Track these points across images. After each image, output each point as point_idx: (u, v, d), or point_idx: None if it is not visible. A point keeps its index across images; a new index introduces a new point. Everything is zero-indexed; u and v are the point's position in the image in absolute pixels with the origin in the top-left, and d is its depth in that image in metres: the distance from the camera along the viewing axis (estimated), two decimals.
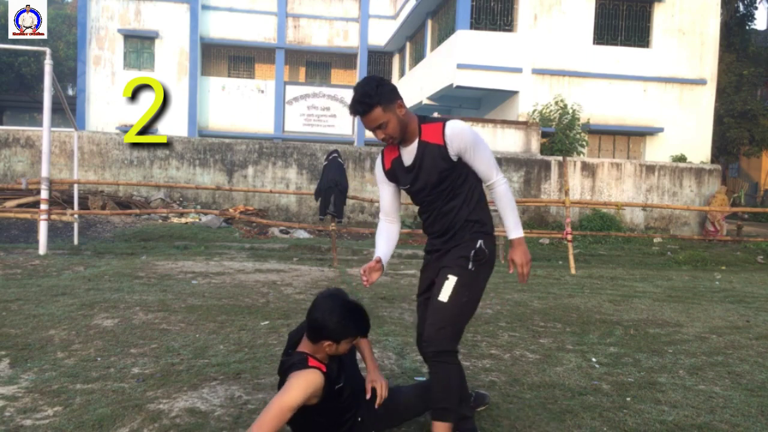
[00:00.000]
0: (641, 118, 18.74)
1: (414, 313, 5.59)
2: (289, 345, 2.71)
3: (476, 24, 18.18)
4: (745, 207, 17.36)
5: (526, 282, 2.72)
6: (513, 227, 2.72)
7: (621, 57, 18.54)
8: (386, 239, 2.88)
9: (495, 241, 2.83)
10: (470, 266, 2.69)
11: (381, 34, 25.64)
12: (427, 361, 2.74)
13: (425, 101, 20.57)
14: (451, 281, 2.66)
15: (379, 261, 2.75)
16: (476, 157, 2.67)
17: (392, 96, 2.62)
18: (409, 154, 2.72)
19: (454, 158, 2.66)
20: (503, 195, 2.70)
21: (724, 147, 22.80)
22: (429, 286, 2.83)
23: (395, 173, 2.80)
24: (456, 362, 2.68)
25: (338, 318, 2.52)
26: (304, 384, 2.45)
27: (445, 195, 2.72)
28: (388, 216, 2.91)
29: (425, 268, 2.91)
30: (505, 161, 15.24)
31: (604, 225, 14.63)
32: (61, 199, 12.25)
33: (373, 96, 2.57)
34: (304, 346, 2.61)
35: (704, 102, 18.93)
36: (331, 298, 2.59)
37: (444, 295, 2.65)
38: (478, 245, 2.70)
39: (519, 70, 18.08)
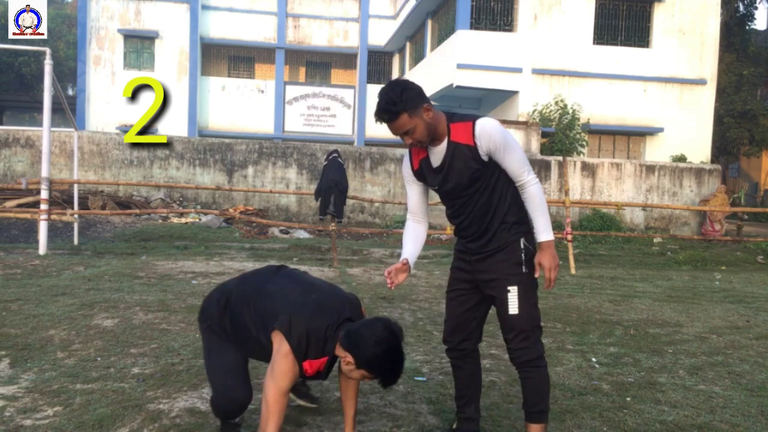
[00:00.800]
0: (641, 118, 18.73)
1: (414, 313, 5.60)
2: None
3: (476, 24, 18.18)
4: (745, 207, 17.36)
5: (551, 287, 2.64)
6: (543, 230, 2.63)
7: (621, 57, 18.53)
8: (413, 239, 2.83)
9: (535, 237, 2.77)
10: (524, 269, 2.64)
11: (381, 34, 25.63)
12: (518, 367, 2.72)
13: None
14: (513, 293, 2.63)
15: (406, 263, 2.71)
16: (506, 156, 2.58)
17: (418, 101, 2.54)
18: (437, 154, 2.65)
19: (485, 158, 2.58)
20: (534, 196, 2.62)
21: (724, 147, 22.79)
22: (461, 285, 2.78)
23: (423, 174, 2.74)
24: (545, 364, 2.70)
25: (381, 353, 2.39)
26: (291, 371, 2.47)
27: (478, 196, 2.65)
28: (415, 216, 2.86)
29: (458, 268, 2.82)
30: None
31: (604, 225, 14.63)
32: (61, 199, 12.25)
33: (399, 103, 2.50)
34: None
35: (704, 102, 18.93)
36: (387, 329, 2.44)
37: (513, 308, 2.63)
38: (522, 245, 2.65)
39: (519, 70, 18.08)
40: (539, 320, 2.71)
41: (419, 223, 2.85)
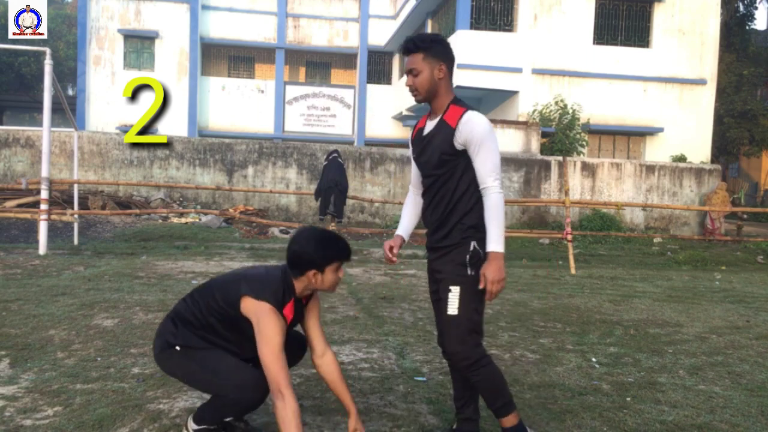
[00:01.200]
0: (641, 118, 18.74)
1: (414, 313, 5.60)
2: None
3: (476, 24, 18.18)
4: (745, 207, 17.36)
5: (492, 301, 2.58)
6: (494, 239, 2.55)
7: (621, 57, 18.54)
8: (410, 213, 2.90)
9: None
10: (469, 272, 2.60)
11: (381, 34, 25.62)
12: (461, 371, 2.70)
13: None
14: (455, 293, 2.60)
15: (400, 239, 2.78)
16: (479, 154, 2.57)
17: (440, 55, 2.61)
18: (428, 127, 2.71)
19: (459, 147, 2.58)
20: (493, 204, 2.57)
21: (724, 147, 22.80)
22: (435, 288, 2.78)
23: (413, 141, 2.81)
24: (489, 362, 2.66)
25: (316, 244, 2.53)
26: (275, 322, 2.47)
27: (442, 182, 2.65)
28: (415, 188, 2.91)
29: (428, 267, 2.86)
30: (505, 161, 15.23)
31: (604, 225, 14.63)
32: (61, 199, 12.25)
33: (424, 41, 2.59)
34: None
35: (704, 102, 18.94)
36: (306, 230, 2.62)
37: (453, 309, 2.60)
38: (472, 247, 2.61)
39: (519, 70, 18.08)
40: (478, 326, 2.65)
41: (418, 196, 2.89)
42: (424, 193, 2.80)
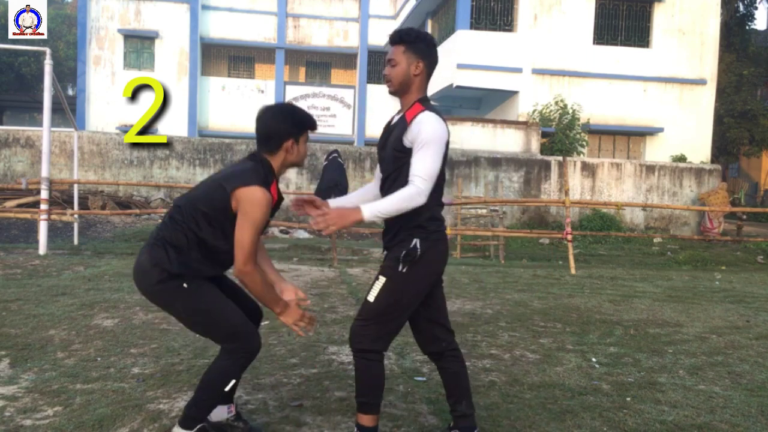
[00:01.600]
0: (641, 118, 18.74)
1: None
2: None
3: (476, 24, 18.18)
4: (745, 207, 17.36)
5: (317, 227, 2.52)
6: (372, 208, 2.49)
7: (621, 57, 18.54)
8: (361, 191, 2.91)
9: (441, 243, 2.66)
10: (400, 267, 2.59)
11: (381, 34, 25.62)
12: (353, 354, 2.70)
13: None
14: (380, 282, 2.62)
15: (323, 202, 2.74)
16: (418, 152, 2.51)
17: (421, 52, 2.63)
18: (394, 121, 2.72)
19: (408, 145, 2.56)
20: (404, 192, 2.49)
21: (724, 147, 22.80)
22: None
23: (381, 135, 2.82)
24: (378, 360, 2.65)
25: (289, 114, 2.65)
26: (265, 201, 2.52)
27: (392, 180, 2.64)
28: (375, 179, 2.88)
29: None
30: (505, 161, 15.24)
31: (604, 225, 14.63)
32: (61, 199, 12.25)
33: (410, 35, 2.64)
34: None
35: (704, 102, 18.94)
36: (272, 106, 2.70)
37: (372, 295, 2.63)
38: (412, 244, 2.58)
39: (519, 70, 18.08)
40: (390, 323, 2.64)
41: (377, 187, 2.83)
42: (381, 189, 2.78)
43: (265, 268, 2.86)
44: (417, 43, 2.62)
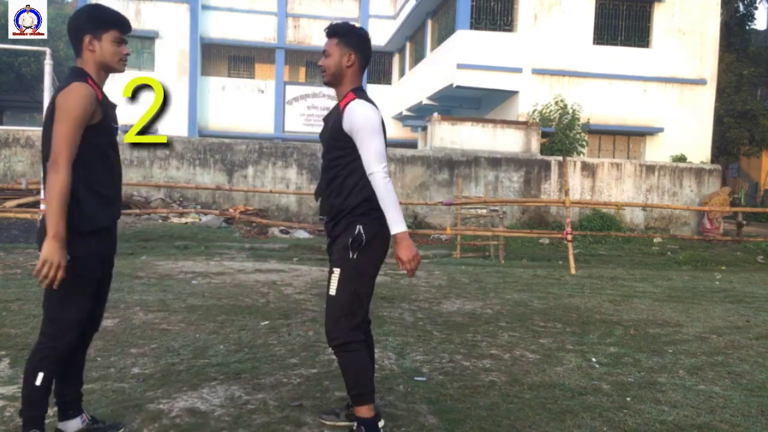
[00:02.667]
0: (641, 118, 18.73)
1: (414, 313, 5.60)
2: None
3: (476, 24, 18.18)
4: (745, 207, 17.35)
5: (413, 276, 2.69)
6: (393, 222, 2.61)
7: (621, 57, 18.53)
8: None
9: (384, 224, 2.70)
10: (350, 255, 2.68)
11: (381, 34, 25.63)
12: (334, 351, 2.79)
13: (425, 101, 20.56)
14: (335, 274, 2.72)
15: None
16: (361, 142, 2.64)
17: (353, 45, 2.74)
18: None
19: (347, 132, 2.67)
20: (379, 188, 2.61)
21: (724, 147, 22.78)
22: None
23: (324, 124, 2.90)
24: (359, 349, 2.73)
25: (85, 9, 2.57)
26: (79, 92, 2.40)
27: (332, 167, 2.74)
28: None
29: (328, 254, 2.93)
30: (505, 161, 15.24)
31: (604, 225, 14.63)
32: None
33: (342, 29, 2.76)
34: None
35: (704, 102, 18.93)
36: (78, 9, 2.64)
37: (332, 289, 2.72)
38: (356, 231, 2.68)
39: (519, 70, 18.07)
40: (357, 310, 2.71)
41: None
42: (322, 177, 2.86)
43: None
44: (349, 36, 2.75)
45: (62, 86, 2.47)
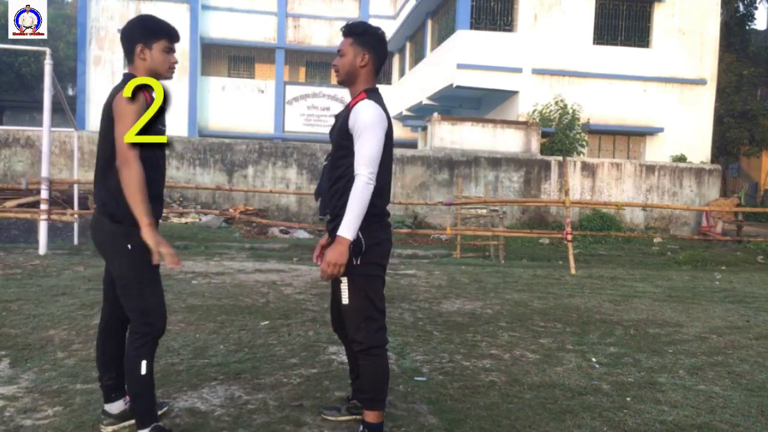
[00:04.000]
0: (641, 118, 18.73)
1: (414, 313, 5.60)
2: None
3: (476, 24, 18.18)
4: (745, 207, 17.35)
5: (323, 279, 2.68)
6: (346, 225, 2.58)
7: (621, 57, 18.53)
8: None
9: (381, 232, 2.75)
10: (354, 261, 2.67)
11: None
12: (357, 355, 2.80)
13: (425, 101, 20.57)
14: (344, 283, 2.69)
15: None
16: (358, 141, 2.63)
17: (368, 45, 2.74)
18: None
19: (351, 131, 2.67)
20: (357, 190, 2.58)
21: (724, 147, 22.78)
22: None
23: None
24: (382, 354, 2.76)
25: (140, 20, 2.76)
26: (134, 109, 2.56)
27: (338, 167, 2.74)
28: None
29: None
30: (505, 161, 15.24)
31: (604, 225, 14.63)
32: (61, 199, 12.25)
33: (357, 28, 2.76)
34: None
35: (704, 102, 18.93)
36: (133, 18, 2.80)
37: (345, 299, 2.71)
38: (356, 237, 2.67)
39: (519, 70, 18.07)
40: (373, 311, 2.72)
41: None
42: (327, 175, 2.86)
43: None
44: (364, 36, 2.75)
45: (118, 89, 2.62)
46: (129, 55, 2.73)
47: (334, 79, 27.06)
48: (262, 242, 11.72)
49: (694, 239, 13.31)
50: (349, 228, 2.58)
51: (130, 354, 2.65)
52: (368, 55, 2.74)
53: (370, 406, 2.74)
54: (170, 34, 2.78)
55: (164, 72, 2.76)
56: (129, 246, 2.65)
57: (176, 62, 2.84)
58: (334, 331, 3.13)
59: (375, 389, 2.73)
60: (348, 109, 2.73)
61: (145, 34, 2.70)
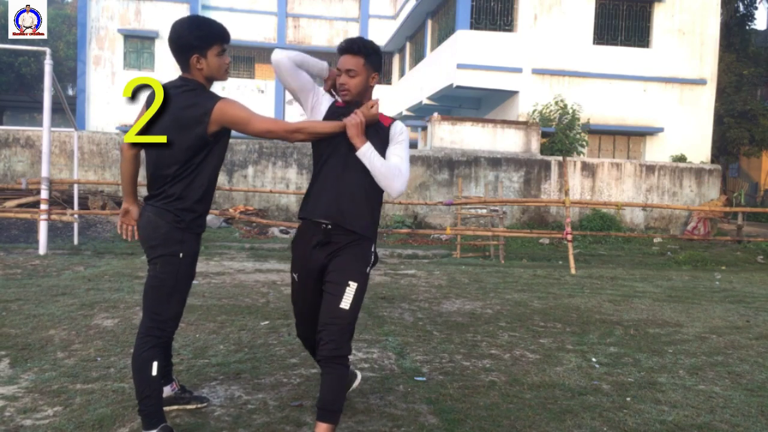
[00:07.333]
0: (641, 118, 18.73)
1: (414, 313, 5.60)
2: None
3: (476, 24, 18.18)
4: (745, 207, 17.35)
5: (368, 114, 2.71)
6: (371, 152, 2.69)
7: (621, 57, 18.53)
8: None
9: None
10: (367, 270, 2.73)
11: (381, 34, 25.62)
12: (324, 361, 2.63)
13: (425, 101, 20.57)
14: (352, 288, 2.65)
15: None
16: (396, 146, 2.75)
17: (376, 65, 2.80)
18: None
19: (390, 139, 2.77)
20: (392, 167, 2.70)
21: (724, 147, 22.78)
22: (317, 277, 2.76)
23: (334, 113, 2.83)
24: (348, 364, 2.74)
25: (190, 24, 2.67)
26: (243, 105, 2.66)
27: (357, 172, 2.70)
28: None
29: (307, 250, 2.76)
30: (505, 161, 15.24)
31: (604, 225, 14.63)
32: (61, 199, 12.25)
33: (368, 48, 2.76)
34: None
35: (704, 102, 18.93)
36: (180, 18, 2.74)
37: (346, 303, 2.63)
38: (373, 249, 2.76)
39: (519, 70, 18.07)
40: (354, 322, 2.73)
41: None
42: (323, 177, 2.76)
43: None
44: (375, 57, 2.78)
45: (209, 98, 2.65)
46: (183, 64, 2.69)
47: None
48: (262, 242, 11.72)
49: (694, 239, 13.30)
50: (367, 155, 2.67)
51: (142, 355, 2.65)
52: (376, 75, 2.81)
53: (329, 419, 2.55)
54: (222, 38, 2.72)
55: (220, 76, 2.75)
56: (181, 255, 2.67)
57: (230, 61, 2.80)
58: (304, 340, 3.01)
59: (340, 400, 2.62)
60: (384, 127, 2.79)
61: (198, 43, 2.65)
